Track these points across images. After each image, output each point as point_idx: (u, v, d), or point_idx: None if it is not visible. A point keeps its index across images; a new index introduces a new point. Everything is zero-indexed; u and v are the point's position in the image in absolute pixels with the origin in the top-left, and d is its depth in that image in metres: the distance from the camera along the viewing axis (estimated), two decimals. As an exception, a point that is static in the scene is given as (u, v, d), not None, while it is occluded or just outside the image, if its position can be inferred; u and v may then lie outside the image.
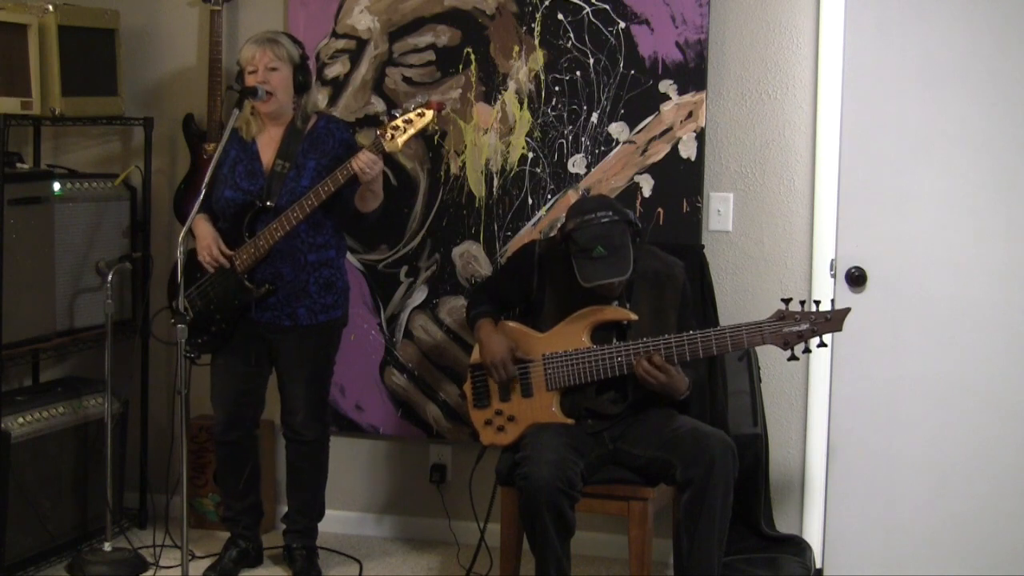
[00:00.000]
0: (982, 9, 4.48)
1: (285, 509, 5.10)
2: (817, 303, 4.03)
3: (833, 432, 4.69)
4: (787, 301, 4.03)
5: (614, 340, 4.17)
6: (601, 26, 4.71)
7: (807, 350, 4.03)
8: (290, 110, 4.48)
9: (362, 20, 4.93)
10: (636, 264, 4.20)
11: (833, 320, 4.01)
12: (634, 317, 4.17)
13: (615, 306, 4.20)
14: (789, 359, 4.03)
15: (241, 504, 4.73)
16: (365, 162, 4.26)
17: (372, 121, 4.92)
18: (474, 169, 4.87)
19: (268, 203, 4.40)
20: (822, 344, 4.04)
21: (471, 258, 4.90)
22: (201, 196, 4.16)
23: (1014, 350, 4.54)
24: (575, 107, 4.76)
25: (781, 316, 4.03)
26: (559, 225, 4.22)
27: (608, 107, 4.72)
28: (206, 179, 4.18)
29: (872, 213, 4.60)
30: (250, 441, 4.73)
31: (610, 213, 4.10)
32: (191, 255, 4.52)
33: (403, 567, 4.84)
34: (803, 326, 4.00)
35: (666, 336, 4.09)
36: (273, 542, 4.97)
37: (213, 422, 4.69)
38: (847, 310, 4.03)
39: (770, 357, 4.58)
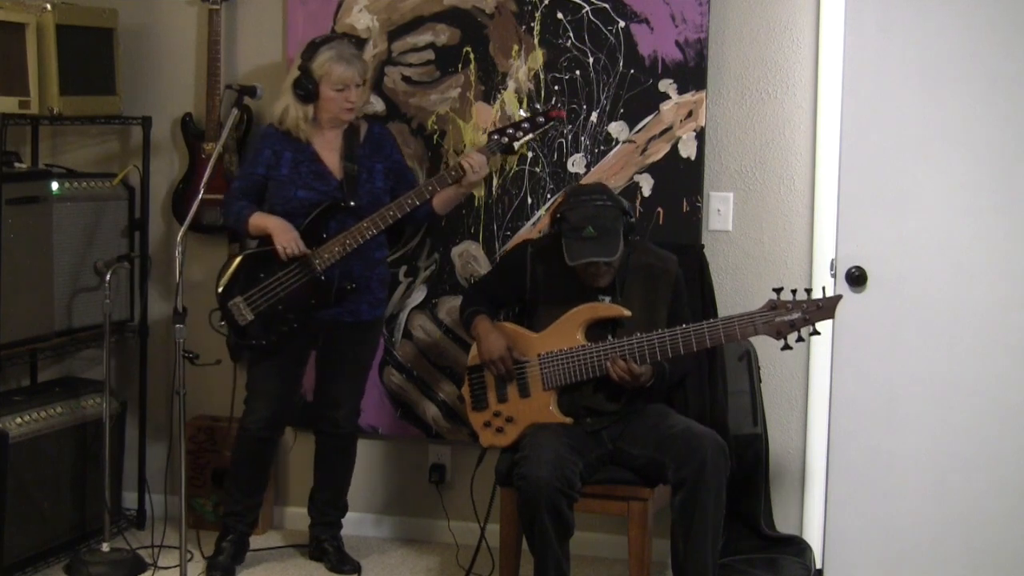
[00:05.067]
0: (982, 9, 4.48)
1: (286, 509, 5.13)
2: (808, 291, 4.03)
3: (833, 432, 4.69)
4: (778, 291, 4.02)
5: (609, 337, 4.16)
6: (600, 25, 4.70)
7: (800, 339, 4.03)
8: None
9: (361, 19, 4.91)
10: (629, 259, 4.20)
11: (825, 308, 4.00)
12: (628, 313, 4.17)
13: (608, 302, 4.20)
14: (782, 348, 4.01)
15: (252, 500, 4.73)
16: (478, 162, 4.46)
17: (371, 120, 4.90)
18: (473, 168, 4.86)
19: (352, 203, 4.46)
20: (815, 332, 4.03)
21: (470, 258, 4.89)
22: (199, 198, 4.13)
23: (1014, 350, 4.54)
24: (574, 106, 4.75)
25: (773, 306, 4.02)
26: (554, 207, 4.23)
27: (608, 106, 4.71)
28: (212, 162, 4.20)
29: (872, 213, 4.60)
30: (278, 441, 4.77)
31: (604, 198, 4.14)
32: (250, 255, 4.52)
33: (402, 568, 4.83)
34: (795, 315, 3.99)
35: (660, 330, 4.09)
36: (271, 542, 4.97)
37: (247, 420, 4.62)
38: (838, 297, 4.03)
39: (770, 357, 4.57)
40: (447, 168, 4.58)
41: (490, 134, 4.62)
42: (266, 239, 4.49)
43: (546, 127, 4.65)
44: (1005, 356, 4.54)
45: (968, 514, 4.59)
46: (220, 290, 4.53)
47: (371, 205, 4.48)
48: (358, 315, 4.58)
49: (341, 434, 4.73)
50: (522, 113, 4.74)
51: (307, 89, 4.45)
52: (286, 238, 4.42)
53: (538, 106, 4.77)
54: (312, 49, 4.48)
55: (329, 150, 4.54)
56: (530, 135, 4.61)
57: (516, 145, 4.61)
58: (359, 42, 4.89)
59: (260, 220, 4.49)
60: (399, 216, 4.45)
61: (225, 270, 4.55)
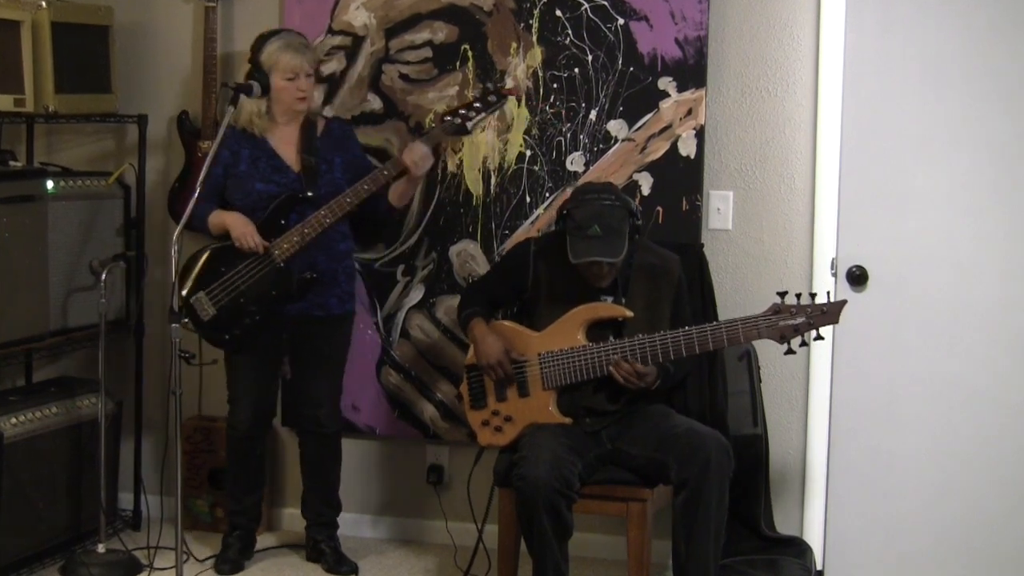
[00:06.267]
0: (983, 7, 4.46)
1: (283, 511, 5.11)
2: (813, 295, 4.01)
3: (834, 432, 4.67)
4: (783, 294, 4.00)
5: (610, 338, 4.14)
6: (600, 22, 4.68)
7: (804, 344, 4.00)
8: None
9: (358, 16, 4.89)
10: (632, 258, 4.18)
11: (829, 312, 3.98)
12: (629, 314, 4.15)
13: (610, 302, 4.18)
14: (786, 353, 4.00)
15: (252, 497, 4.76)
16: (419, 155, 4.43)
17: (369, 118, 4.88)
18: (471, 167, 4.84)
19: (310, 193, 4.46)
20: (819, 337, 4.00)
21: (468, 257, 4.87)
22: (196, 195, 4.12)
23: (1015, 349, 4.52)
24: (573, 104, 4.72)
25: (777, 310, 4.00)
26: (561, 204, 4.21)
27: (607, 104, 4.69)
28: (201, 176, 4.14)
29: (873, 212, 4.58)
30: (267, 436, 4.78)
31: (612, 197, 4.11)
32: (215, 250, 4.52)
33: (400, 569, 4.81)
34: (799, 319, 3.97)
35: (662, 333, 4.06)
36: (268, 544, 4.95)
37: (233, 420, 4.67)
38: (843, 302, 4.00)
39: (770, 357, 4.55)
40: (397, 157, 4.55)
41: (442, 117, 4.57)
42: (227, 235, 4.49)
43: (498, 106, 4.57)
44: (1006, 356, 4.53)
45: (969, 514, 4.58)
46: (185, 288, 4.53)
47: (330, 196, 4.47)
48: (328, 309, 4.58)
49: (325, 433, 4.72)
50: (482, 92, 4.67)
51: (259, 81, 4.45)
52: (241, 231, 4.44)
53: (489, 84, 4.74)
54: (260, 42, 4.50)
55: (286, 144, 4.55)
56: (483, 115, 4.55)
57: (469, 126, 4.54)
58: (356, 39, 4.87)
59: (218, 217, 4.51)
60: (356, 203, 4.44)
61: (190, 267, 4.54)
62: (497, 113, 4.63)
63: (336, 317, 4.63)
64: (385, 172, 4.46)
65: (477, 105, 4.52)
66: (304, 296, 4.51)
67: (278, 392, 4.77)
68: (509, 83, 4.76)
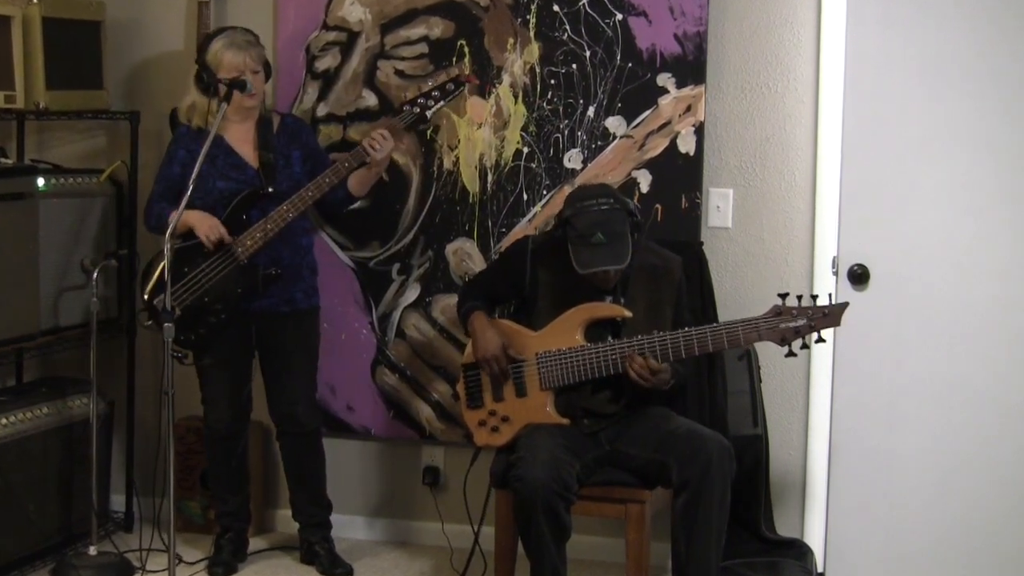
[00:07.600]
0: (985, 3, 4.45)
1: (276, 512, 5.07)
2: (814, 297, 3.98)
3: (835, 433, 4.65)
4: (784, 296, 3.97)
5: (608, 338, 4.11)
6: (598, 18, 4.64)
7: (805, 346, 3.97)
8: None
9: (353, 12, 4.86)
10: (633, 258, 4.14)
11: (831, 315, 3.95)
12: (628, 314, 4.11)
13: (609, 302, 4.14)
14: (787, 355, 3.97)
15: (239, 496, 4.74)
16: (379, 139, 4.44)
17: (364, 115, 4.85)
18: (468, 164, 4.80)
19: (270, 189, 4.46)
20: (820, 340, 3.97)
21: (465, 255, 4.84)
22: (188, 192, 4.12)
23: (1016, 349, 4.51)
24: (571, 101, 4.69)
25: (778, 312, 3.97)
26: (558, 212, 4.17)
27: (605, 101, 4.66)
28: (193, 175, 4.14)
29: (875, 210, 4.57)
30: (246, 433, 4.76)
31: (611, 201, 4.06)
32: (176, 250, 4.44)
33: (395, 571, 4.78)
34: (800, 322, 3.94)
35: (661, 333, 4.04)
36: (262, 546, 4.93)
37: (210, 420, 4.65)
38: (845, 304, 3.97)
39: (771, 356, 4.51)
40: (360, 147, 4.52)
41: (401, 105, 4.60)
42: (189, 235, 4.46)
43: (456, 94, 4.59)
44: (1006, 356, 4.51)
45: (970, 515, 4.57)
46: (147, 290, 4.49)
47: (291, 191, 4.48)
48: (294, 304, 4.58)
49: (305, 432, 4.69)
50: (441, 79, 4.69)
51: (207, 82, 4.45)
52: (207, 226, 4.42)
53: (430, 81, 4.75)
54: (206, 41, 4.51)
55: (243, 142, 4.55)
56: (441, 103, 4.57)
57: (428, 115, 4.57)
58: (351, 35, 4.83)
59: (186, 217, 4.40)
60: (318, 196, 4.45)
61: (151, 269, 4.51)
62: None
63: (302, 311, 4.61)
64: (346, 164, 4.48)
65: (436, 94, 4.55)
66: (268, 292, 4.50)
67: (247, 392, 4.71)
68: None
